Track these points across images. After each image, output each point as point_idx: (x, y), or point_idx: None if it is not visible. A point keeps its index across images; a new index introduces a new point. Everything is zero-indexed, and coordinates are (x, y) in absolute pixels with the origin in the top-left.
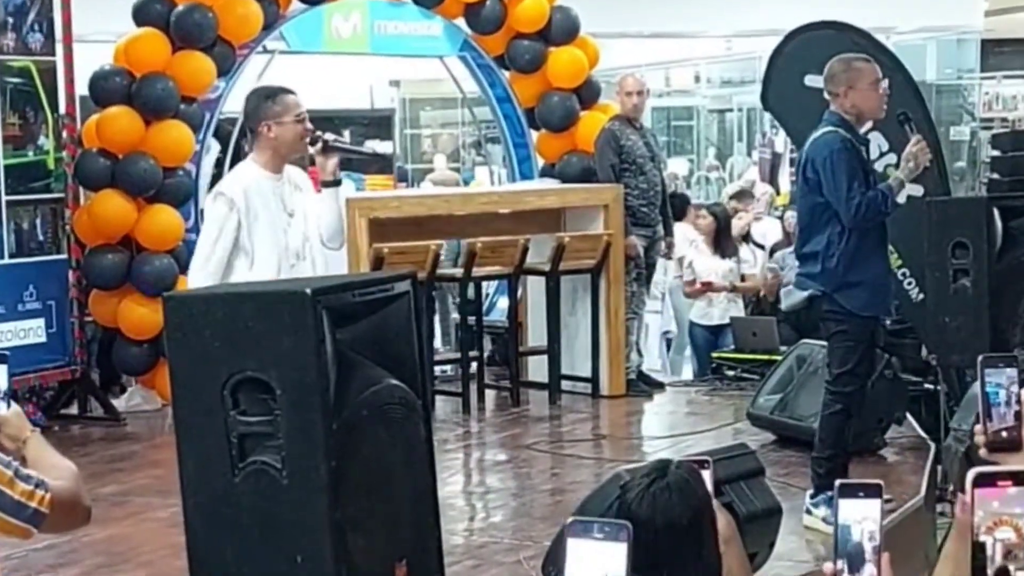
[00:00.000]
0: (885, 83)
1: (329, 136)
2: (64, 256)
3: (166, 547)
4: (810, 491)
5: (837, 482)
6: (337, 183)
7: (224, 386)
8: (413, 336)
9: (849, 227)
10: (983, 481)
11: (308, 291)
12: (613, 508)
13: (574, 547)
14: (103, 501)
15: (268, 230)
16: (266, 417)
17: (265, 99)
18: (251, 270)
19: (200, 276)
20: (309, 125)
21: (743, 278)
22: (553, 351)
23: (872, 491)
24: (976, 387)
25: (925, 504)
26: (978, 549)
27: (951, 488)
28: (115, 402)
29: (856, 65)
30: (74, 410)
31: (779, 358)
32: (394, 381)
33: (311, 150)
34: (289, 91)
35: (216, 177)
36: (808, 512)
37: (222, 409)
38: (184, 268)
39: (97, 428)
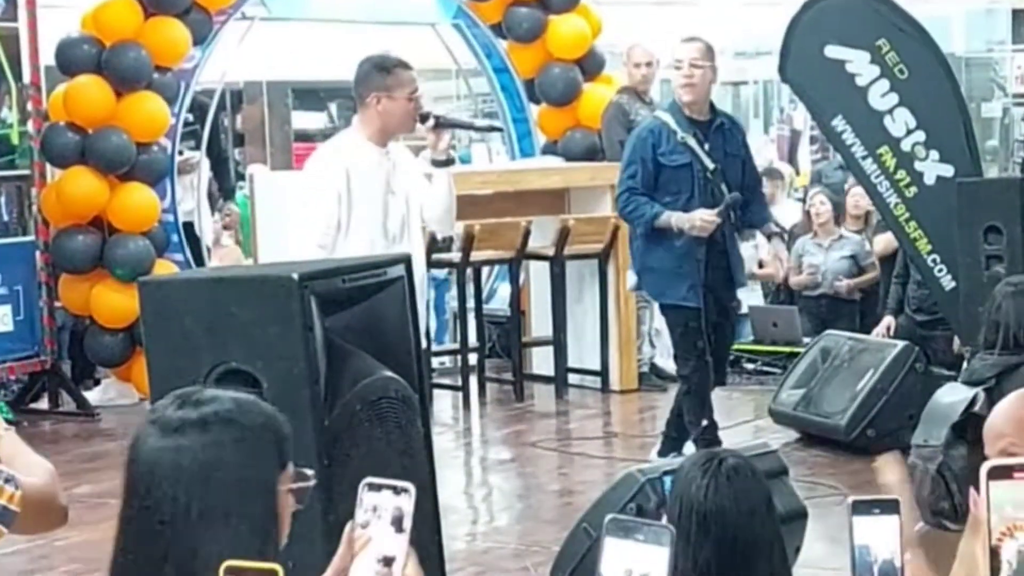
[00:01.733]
0: (685, 68)
1: (440, 112)
2: (31, 238)
3: None
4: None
5: (850, 499)
6: (449, 162)
7: (206, 378)
8: (408, 324)
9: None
10: (998, 473)
11: (295, 276)
12: (680, 502)
13: (612, 548)
14: (77, 503)
15: (366, 207)
16: None
17: (379, 70)
18: (343, 245)
19: (310, 247)
20: (422, 104)
21: (760, 264)
22: (559, 342)
23: (889, 508)
24: (941, 397)
25: None
26: (994, 554)
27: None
28: (88, 395)
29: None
30: (44, 404)
31: (802, 350)
32: (389, 373)
33: (421, 128)
34: (406, 65)
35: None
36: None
37: None
38: (160, 250)
39: (69, 424)
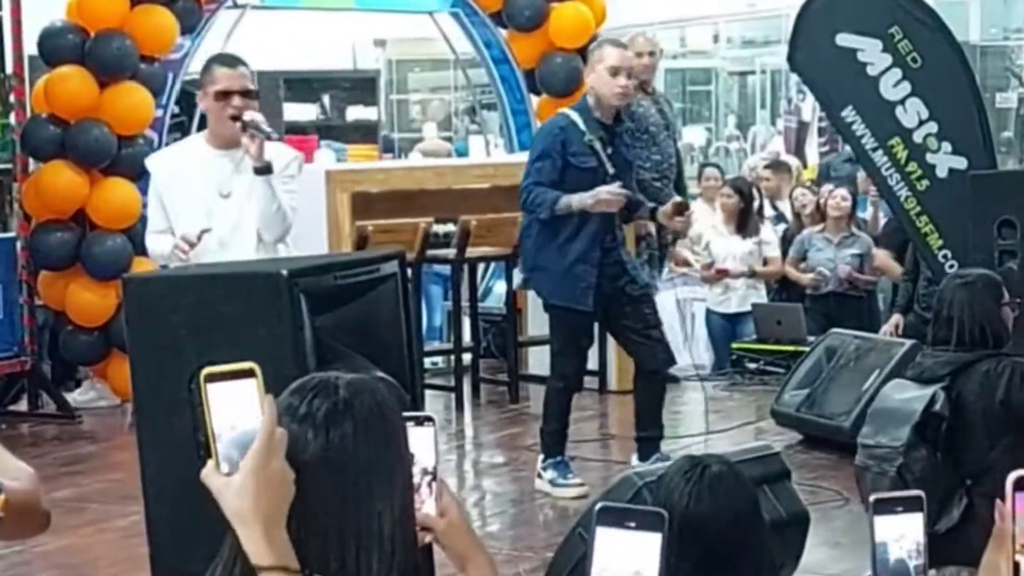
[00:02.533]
0: (623, 78)
1: (247, 115)
2: (12, 234)
3: (127, 559)
4: (541, 456)
5: (872, 497)
6: (265, 170)
7: (191, 379)
8: (401, 323)
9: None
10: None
11: (284, 272)
12: (677, 512)
13: (603, 537)
14: (57, 508)
15: (185, 208)
16: None
17: (204, 67)
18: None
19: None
20: (236, 103)
21: (765, 261)
22: None
23: (912, 505)
24: (891, 395)
25: None
26: (1017, 568)
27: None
28: (69, 397)
29: (603, 47)
30: (24, 406)
31: (806, 349)
32: (380, 373)
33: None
34: (227, 61)
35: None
36: (539, 476)
37: (189, 405)
38: (140, 249)
39: (50, 426)
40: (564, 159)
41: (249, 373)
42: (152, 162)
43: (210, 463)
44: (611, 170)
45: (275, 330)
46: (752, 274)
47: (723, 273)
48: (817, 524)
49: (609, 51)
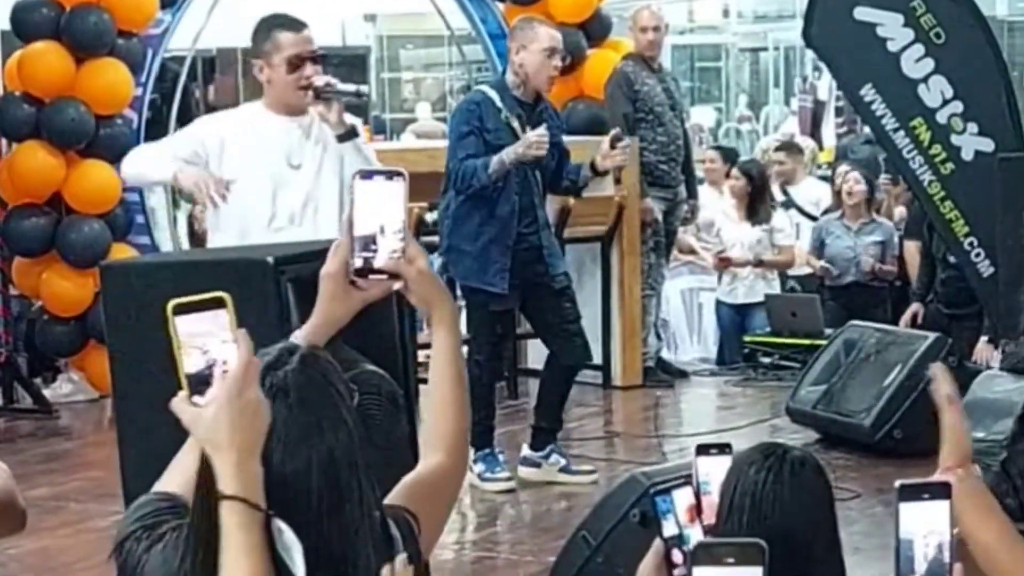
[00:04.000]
0: (557, 60)
1: (318, 80)
2: None
3: (107, 562)
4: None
5: (898, 483)
6: (350, 135)
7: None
8: (394, 314)
9: (458, 187)
10: None
11: (270, 259)
12: (734, 486)
13: None
14: (33, 507)
15: (246, 178)
16: None
17: (260, 32)
18: (215, 220)
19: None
20: (308, 71)
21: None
22: None
23: (939, 492)
24: (986, 388)
25: None
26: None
27: None
28: (46, 391)
29: (535, 27)
30: None
31: (823, 343)
32: (371, 367)
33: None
34: (289, 23)
35: (153, 127)
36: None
37: (171, 399)
38: (120, 235)
39: (25, 421)
40: (482, 136)
41: (219, 303)
42: (203, 121)
43: (181, 394)
44: None
45: (261, 320)
46: (758, 263)
47: (726, 261)
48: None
49: (544, 32)
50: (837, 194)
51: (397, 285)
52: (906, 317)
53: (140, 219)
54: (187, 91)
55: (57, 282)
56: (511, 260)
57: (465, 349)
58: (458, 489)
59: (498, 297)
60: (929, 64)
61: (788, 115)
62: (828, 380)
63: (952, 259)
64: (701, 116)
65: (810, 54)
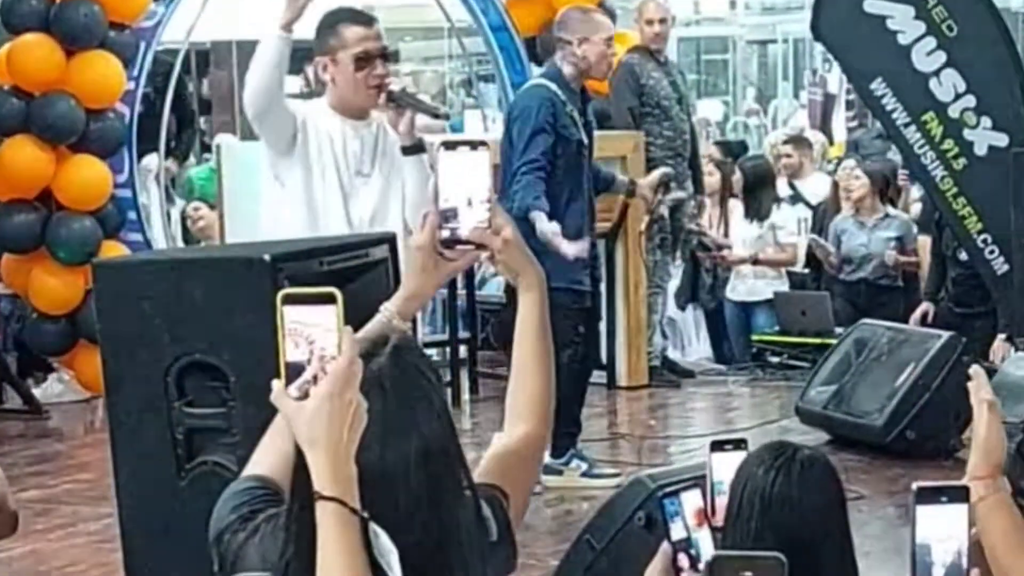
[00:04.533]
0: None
1: (395, 85)
2: None
3: (98, 565)
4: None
5: (915, 485)
6: (417, 149)
7: (167, 372)
8: None
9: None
10: None
11: (267, 257)
12: (743, 485)
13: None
14: (23, 510)
15: (321, 182)
16: (218, 409)
17: (324, 27)
18: (283, 199)
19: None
20: (379, 70)
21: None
22: None
23: (956, 495)
24: (1014, 370)
25: None
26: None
27: None
28: (35, 391)
29: (594, 17)
30: None
31: (834, 342)
32: None
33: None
34: (357, 17)
35: (145, 121)
36: (559, 473)
37: (165, 399)
38: (111, 231)
39: (14, 422)
40: (556, 132)
41: (329, 299)
42: (298, 101)
43: (279, 385)
44: (585, 140)
45: (257, 319)
46: (755, 261)
47: (721, 259)
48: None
49: (603, 21)
50: (835, 189)
51: (484, 255)
52: (916, 316)
53: (132, 216)
54: (181, 84)
55: (47, 280)
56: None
57: None
58: (543, 459)
59: (582, 294)
60: (941, 57)
61: (797, 108)
62: (839, 380)
63: (963, 256)
64: (708, 110)
65: (820, 46)
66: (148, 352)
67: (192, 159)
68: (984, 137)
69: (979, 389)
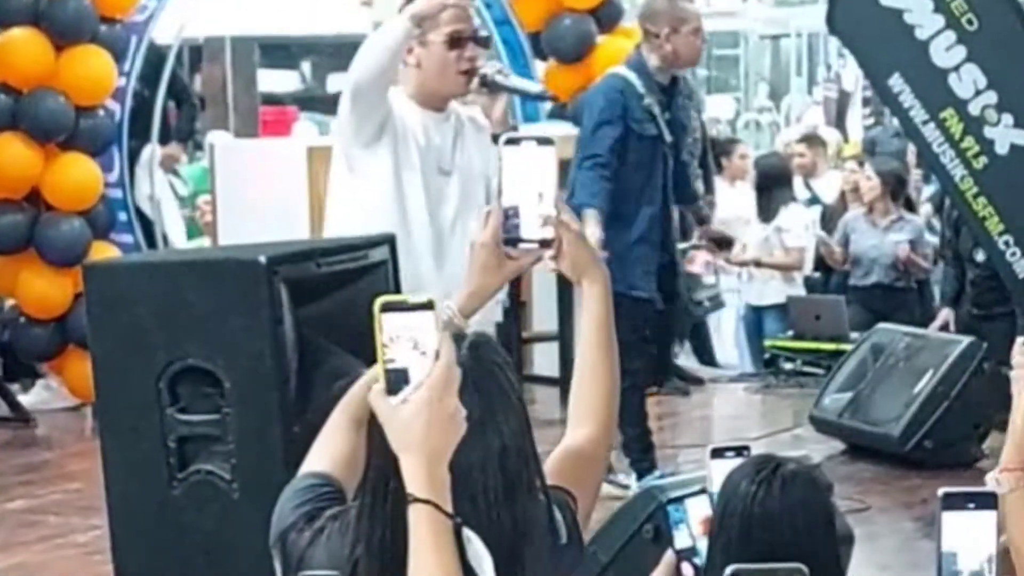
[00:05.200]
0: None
1: (490, 67)
2: None
3: None
4: (634, 475)
5: (941, 491)
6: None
7: (160, 377)
8: None
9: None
10: None
11: (262, 259)
12: (724, 503)
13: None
14: (9, 520)
15: (410, 177)
16: (212, 416)
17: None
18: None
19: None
20: (470, 52)
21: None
22: (564, 338)
23: (984, 502)
24: None
25: None
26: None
27: None
28: (22, 398)
29: (681, 6)
30: None
31: (849, 348)
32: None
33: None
34: None
35: (137, 120)
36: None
37: (157, 406)
38: (101, 232)
39: (1, 430)
40: (626, 126)
41: (428, 306)
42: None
43: (378, 387)
44: (668, 138)
45: (252, 323)
46: (757, 264)
47: (727, 260)
48: (863, 544)
49: (691, 10)
50: (850, 190)
51: (549, 253)
52: (936, 324)
53: (123, 216)
54: (175, 80)
55: (34, 282)
56: (658, 261)
57: None
58: (607, 460)
59: (645, 301)
60: (960, 52)
61: (811, 105)
62: (854, 387)
63: (980, 258)
64: (718, 107)
65: (835, 40)
66: (140, 357)
67: (184, 158)
68: (1005, 135)
69: (1021, 378)
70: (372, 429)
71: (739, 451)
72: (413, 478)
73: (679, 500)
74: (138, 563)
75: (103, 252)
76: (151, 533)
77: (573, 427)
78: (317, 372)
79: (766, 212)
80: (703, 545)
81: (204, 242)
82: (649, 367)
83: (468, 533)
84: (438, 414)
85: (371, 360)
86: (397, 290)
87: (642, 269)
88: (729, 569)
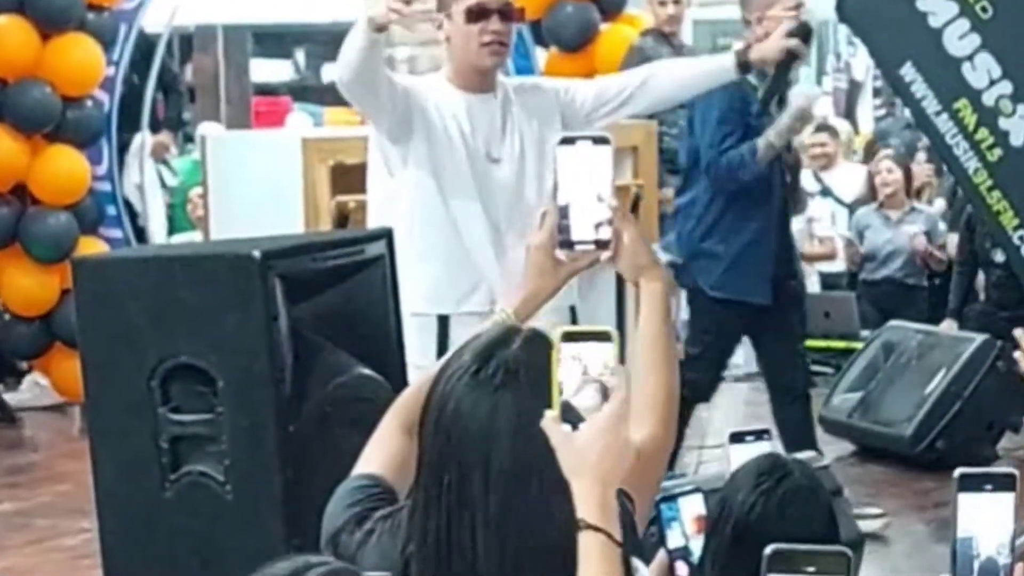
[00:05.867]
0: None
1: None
2: None
3: None
4: None
5: (958, 472)
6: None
7: (152, 375)
8: (390, 312)
9: (717, 181)
10: None
11: (256, 254)
12: (722, 507)
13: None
14: None
15: (451, 166)
16: (205, 416)
17: None
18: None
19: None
20: (494, 27)
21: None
22: (621, 332)
23: (1003, 483)
24: None
25: None
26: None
27: None
28: (7, 397)
29: None
30: None
31: (860, 346)
32: (366, 371)
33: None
34: None
35: (125, 111)
36: None
37: (149, 405)
38: (89, 227)
39: None
40: (746, 125)
41: (606, 337)
42: (415, 79)
43: (552, 413)
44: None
45: (246, 319)
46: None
47: None
48: (873, 549)
49: None
50: (871, 183)
51: (606, 255)
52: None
53: (112, 210)
54: (164, 70)
55: (20, 278)
56: (774, 264)
57: None
58: (667, 461)
59: (754, 309)
60: (975, 40)
61: (820, 95)
62: (865, 386)
63: (1000, 259)
64: None
65: (844, 29)
66: (130, 355)
67: (174, 149)
68: (1021, 126)
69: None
70: (423, 430)
71: (759, 435)
72: (586, 504)
73: (672, 499)
74: (128, 567)
75: (91, 247)
76: (142, 536)
77: (633, 428)
78: (312, 370)
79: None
80: (696, 545)
81: (196, 237)
82: (715, 383)
83: (636, 562)
84: (613, 443)
85: (369, 359)
86: (394, 287)
87: (758, 273)
88: (769, 549)
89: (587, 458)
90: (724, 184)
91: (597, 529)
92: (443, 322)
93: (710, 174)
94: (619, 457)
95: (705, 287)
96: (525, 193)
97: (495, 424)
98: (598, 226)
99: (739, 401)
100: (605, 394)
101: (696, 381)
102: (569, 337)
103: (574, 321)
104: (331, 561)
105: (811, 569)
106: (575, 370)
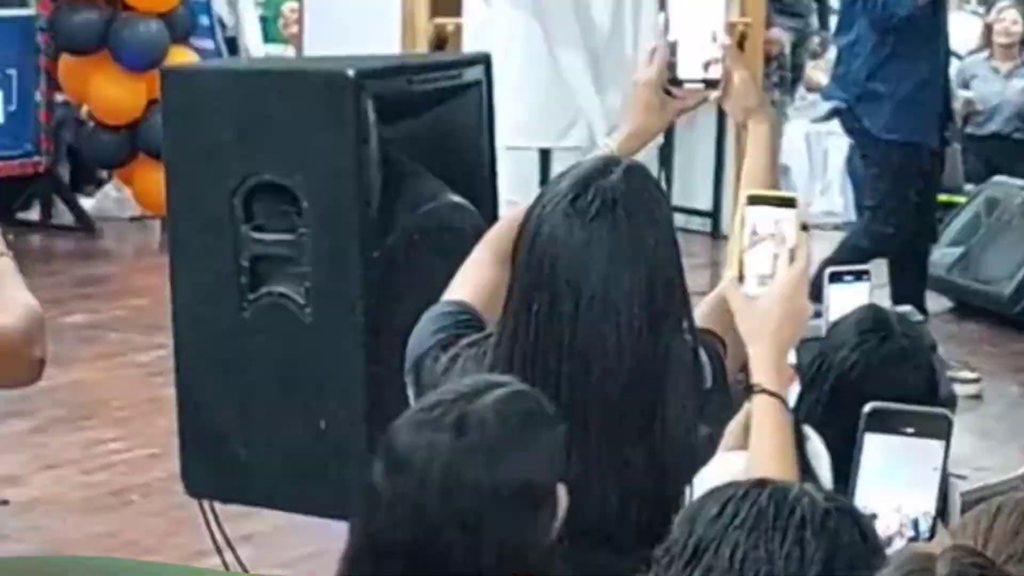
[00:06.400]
0: None
1: None
2: (31, 11)
3: (146, 401)
4: None
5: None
6: None
7: (235, 192)
8: (486, 141)
9: (874, 18)
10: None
11: (350, 72)
12: (824, 371)
13: (874, 445)
14: (66, 334)
15: (555, 22)
16: (287, 236)
17: None
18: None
19: None
20: None
21: None
22: (662, 175)
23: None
24: None
25: None
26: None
27: None
28: (87, 204)
29: None
30: (35, 215)
31: (962, 200)
32: (456, 198)
33: None
34: None
35: None
36: None
37: (231, 222)
38: (180, 36)
39: (63, 240)
40: None
41: (790, 203)
42: None
43: (732, 276)
44: None
45: (336, 139)
46: None
47: None
48: (965, 408)
49: None
50: (987, 32)
51: (714, 95)
52: None
53: (205, 20)
54: None
55: (107, 86)
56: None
57: None
58: None
59: (925, 152)
60: None
61: None
62: (966, 242)
63: None
64: None
65: None
66: (215, 170)
67: None
68: None
69: None
70: (516, 255)
71: (858, 275)
72: (762, 369)
73: None
74: (202, 387)
75: (182, 57)
76: (217, 356)
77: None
78: (400, 194)
79: None
80: (790, 396)
81: (287, 51)
82: (909, 230)
83: (808, 431)
84: (791, 310)
85: (459, 185)
86: (491, 115)
87: (928, 115)
88: (868, 407)
89: (767, 324)
90: (883, 20)
91: (772, 394)
92: (544, 156)
93: (868, 10)
94: (798, 325)
95: (874, 130)
96: (625, 23)
97: (589, 253)
98: (708, 64)
99: (828, 252)
100: (791, 257)
101: (889, 237)
102: (754, 200)
103: (662, 162)
104: (511, 381)
105: (910, 430)
106: (760, 233)
